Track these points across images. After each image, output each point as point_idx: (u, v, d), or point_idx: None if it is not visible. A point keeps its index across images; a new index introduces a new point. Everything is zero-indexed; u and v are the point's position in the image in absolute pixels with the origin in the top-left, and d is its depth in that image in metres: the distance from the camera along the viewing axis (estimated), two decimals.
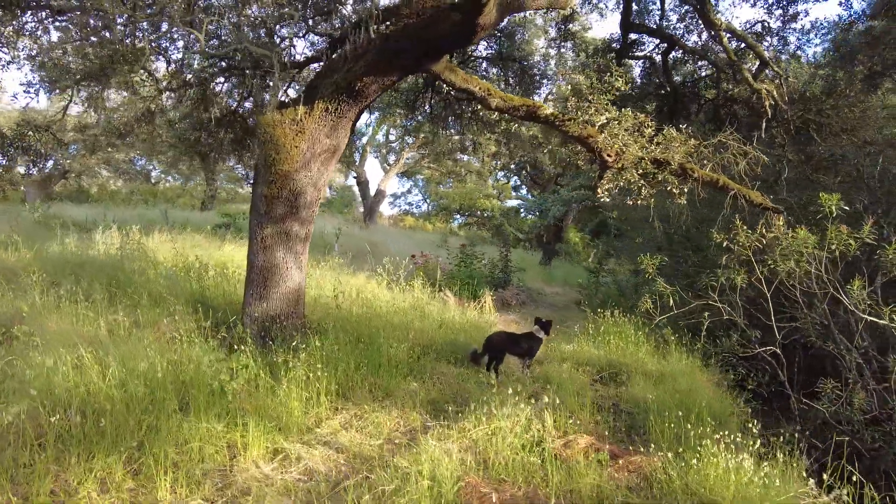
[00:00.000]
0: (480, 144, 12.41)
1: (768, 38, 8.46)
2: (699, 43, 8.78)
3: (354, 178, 28.93)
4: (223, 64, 9.06)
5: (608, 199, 6.15)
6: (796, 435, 3.90)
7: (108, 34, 7.64)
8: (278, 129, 5.79)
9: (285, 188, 5.85)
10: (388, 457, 3.81)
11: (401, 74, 5.82)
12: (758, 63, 7.37)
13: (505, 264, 13.67)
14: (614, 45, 9.13)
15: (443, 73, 5.53)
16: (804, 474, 3.41)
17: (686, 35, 8.77)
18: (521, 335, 6.62)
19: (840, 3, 15.41)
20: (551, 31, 12.39)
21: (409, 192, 43.29)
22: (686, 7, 8.38)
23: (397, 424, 4.58)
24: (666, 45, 8.68)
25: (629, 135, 5.40)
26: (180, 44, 8.89)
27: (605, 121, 5.37)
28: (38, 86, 7.26)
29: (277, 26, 7.40)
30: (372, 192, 28.55)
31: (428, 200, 41.34)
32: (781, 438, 3.68)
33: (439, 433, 4.20)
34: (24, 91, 7.44)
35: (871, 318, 5.70)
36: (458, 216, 38.28)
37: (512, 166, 31.03)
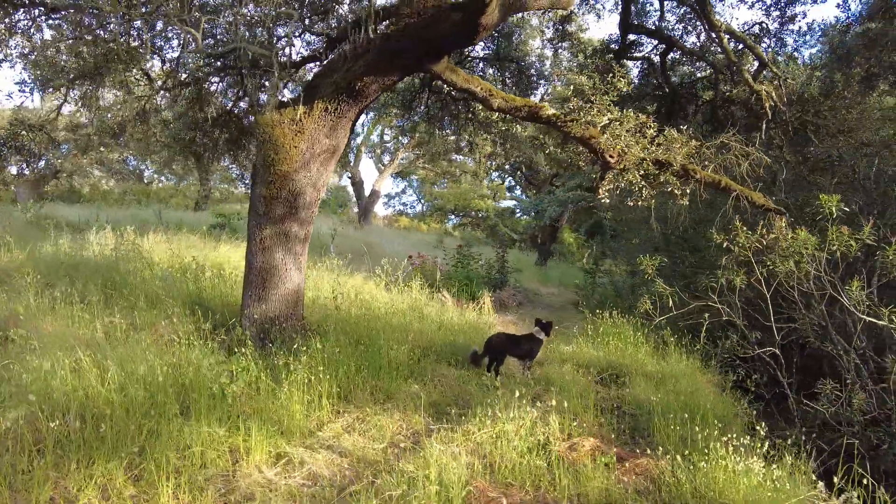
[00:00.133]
0: (477, 145, 12.37)
1: (766, 40, 8.49)
2: (697, 44, 8.80)
3: (349, 178, 28.83)
4: (218, 63, 8.98)
5: (608, 200, 6.14)
6: (802, 437, 3.88)
7: (101, 33, 7.55)
8: (277, 129, 5.73)
9: (284, 189, 5.79)
10: (393, 461, 3.76)
11: (401, 74, 5.78)
12: (756, 64, 7.38)
13: (502, 265, 13.64)
14: (613, 45, 9.14)
15: (444, 73, 5.49)
16: (813, 477, 3.39)
17: (684, 36, 8.80)
18: (522, 336, 6.59)
19: (838, 5, 15.49)
20: (547, 32, 12.40)
21: (403, 192, 43.29)
22: (685, 8, 8.38)
23: (400, 427, 4.53)
24: (665, 46, 8.69)
25: (631, 136, 5.38)
26: (175, 43, 8.80)
27: (607, 121, 5.35)
28: (31, 84, 7.14)
29: (274, 25, 7.33)
30: (366, 192, 28.47)
31: (422, 201, 41.31)
32: (789, 440, 3.66)
33: (443, 436, 4.16)
34: (20, 90, 7.32)
35: (871, 319, 5.72)
36: (453, 217, 38.25)
37: (507, 167, 31.03)
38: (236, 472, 3.53)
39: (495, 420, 4.15)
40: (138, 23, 7.85)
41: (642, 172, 5.47)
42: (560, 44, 9.93)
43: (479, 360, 6.35)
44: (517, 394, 4.18)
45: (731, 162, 5.56)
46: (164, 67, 8.94)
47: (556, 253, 24.91)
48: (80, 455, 3.28)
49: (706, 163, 5.81)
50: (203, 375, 4.21)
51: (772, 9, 8.08)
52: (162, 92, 9.46)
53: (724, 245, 6.10)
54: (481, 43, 10.62)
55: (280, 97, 6.03)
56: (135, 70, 8.53)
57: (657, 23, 8.68)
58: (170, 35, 8.65)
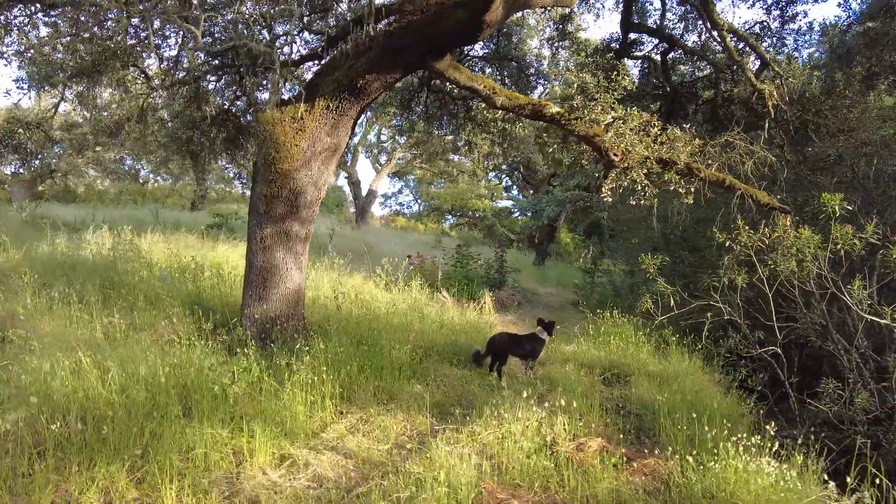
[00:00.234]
0: (476, 144, 12.34)
1: (766, 39, 8.48)
2: (698, 43, 8.78)
3: (346, 178, 28.75)
4: (216, 62, 8.91)
5: (611, 199, 6.11)
6: (811, 436, 3.86)
7: (98, 31, 7.47)
8: (278, 126, 5.67)
9: (285, 187, 5.73)
10: (399, 462, 3.71)
11: (404, 72, 5.73)
12: (758, 64, 7.38)
13: (500, 265, 13.61)
14: (613, 44, 9.12)
15: (447, 70, 5.44)
16: (825, 477, 3.36)
17: (685, 35, 8.78)
18: (524, 336, 6.56)
19: (839, 4, 15.53)
20: (545, 31, 12.38)
21: (399, 192, 43.20)
22: (686, 7, 8.37)
23: (404, 428, 4.48)
24: (666, 45, 8.67)
25: (634, 134, 5.35)
26: (172, 41, 8.73)
27: (611, 120, 5.32)
28: (29, 82, 7.06)
29: (274, 23, 7.27)
30: (363, 192, 28.39)
31: (419, 201, 41.25)
32: (799, 440, 3.63)
33: (448, 437, 4.11)
34: (18, 87, 7.23)
35: (873, 318, 5.71)
36: (450, 217, 38.20)
37: (503, 167, 31.01)
38: (240, 475, 3.47)
39: (501, 420, 4.11)
40: (136, 20, 7.79)
41: (645, 171, 5.44)
42: (560, 43, 9.90)
43: (481, 359, 6.32)
44: (525, 394, 4.14)
45: (734, 161, 5.53)
46: (162, 66, 8.88)
47: (553, 253, 24.90)
48: (82, 457, 3.22)
49: (709, 161, 5.79)
50: (205, 376, 4.15)
51: (772, 8, 8.08)
52: (159, 91, 9.39)
53: (727, 244, 6.09)
54: (481, 42, 10.61)
55: (280, 95, 5.97)
56: (132, 68, 8.46)
57: (658, 22, 8.66)
58: (167, 33, 8.58)
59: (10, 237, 8.06)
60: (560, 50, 11.14)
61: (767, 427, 3.63)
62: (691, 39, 8.91)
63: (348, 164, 27.00)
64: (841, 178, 8.63)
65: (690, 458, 3.45)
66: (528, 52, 11.20)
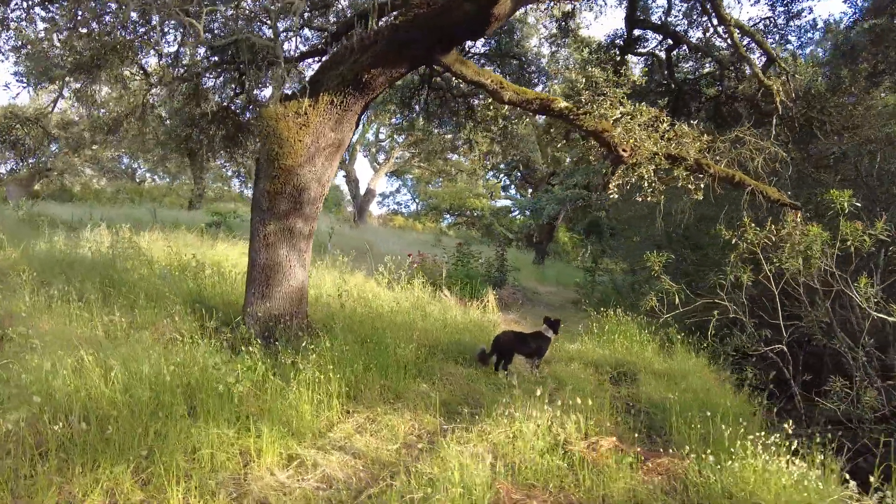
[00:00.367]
0: (477, 143, 12.26)
1: (770, 36, 8.43)
2: (703, 40, 8.72)
3: (344, 176, 28.64)
4: (215, 58, 8.82)
5: (617, 196, 6.05)
6: (829, 434, 3.80)
7: (96, 26, 7.37)
8: (281, 122, 5.59)
9: (289, 183, 5.65)
10: (410, 462, 3.63)
11: (410, 66, 5.65)
12: (763, 60, 7.33)
13: (501, 263, 13.55)
14: (617, 41, 9.05)
15: (453, 65, 5.37)
16: (846, 476, 3.30)
17: (690, 32, 8.72)
18: (530, 334, 6.49)
19: (845, 1, 15.48)
20: (543, 29, 12.32)
21: (397, 191, 43.06)
22: (692, 2, 8.31)
23: (412, 427, 4.41)
24: (671, 41, 8.61)
25: (643, 129, 5.28)
26: (171, 38, 8.63)
27: (619, 115, 5.25)
28: (28, 76, 6.95)
29: (277, 17, 7.19)
30: (362, 191, 28.30)
31: (417, 200, 41.13)
32: (817, 438, 3.57)
33: (458, 437, 4.04)
34: (17, 81, 7.13)
35: (880, 316, 5.67)
36: (448, 216, 38.11)
37: (501, 166, 30.94)
38: (248, 475, 3.39)
39: (512, 419, 4.04)
40: (134, 14, 7.69)
41: (654, 167, 5.38)
42: (563, 40, 9.84)
43: (486, 358, 6.25)
44: (538, 392, 4.06)
45: (744, 157, 5.47)
46: (161, 62, 8.78)
47: (551, 252, 24.84)
48: (85, 458, 3.13)
49: (717, 157, 5.74)
50: (210, 374, 4.06)
51: (777, 4, 8.03)
52: (158, 87, 9.29)
53: (733, 241, 6.03)
54: (482, 39, 10.53)
55: (283, 90, 5.88)
56: (131, 64, 8.36)
57: (662, 18, 8.61)
58: (167, 29, 8.48)
59: (7, 235, 7.95)
60: (561, 48, 11.07)
61: (785, 426, 3.57)
62: (696, 36, 8.86)
63: (346, 162, 26.90)
64: (844, 175, 8.60)
65: (711, 458, 3.37)
66: (529, 49, 11.13)
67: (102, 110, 10.93)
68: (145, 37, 7.92)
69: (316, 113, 5.61)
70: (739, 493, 3.16)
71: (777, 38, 8.36)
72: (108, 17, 7.47)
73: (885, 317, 5.73)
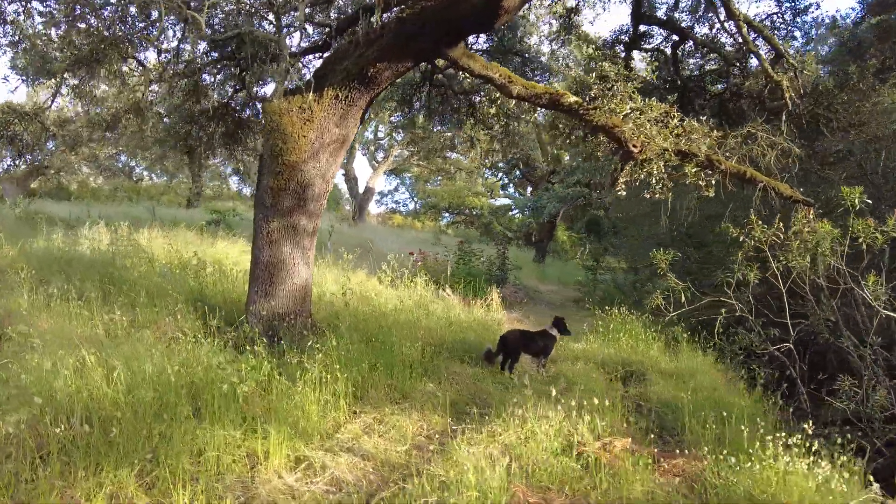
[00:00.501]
0: (479, 140, 12.17)
1: (776, 33, 8.35)
2: (709, 35, 8.65)
3: (343, 175, 28.51)
4: (216, 54, 8.71)
5: (624, 193, 5.96)
6: (848, 435, 3.72)
7: (94, 22, 7.25)
8: (285, 117, 5.48)
9: (293, 180, 5.55)
10: (421, 464, 3.54)
11: (416, 60, 5.56)
12: (771, 56, 7.26)
13: (502, 262, 13.47)
14: (622, 37, 8.97)
15: (461, 58, 5.27)
16: (870, 478, 3.22)
17: (696, 27, 8.64)
18: (536, 333, 6.42)
19: None
20: (544, 26, 12.23)
21: (395, 189, 42.93)
22: None
23: (420, 428, 4.32)
24: (677, 37, 8.53)
25: (653, 125, 5.19)
26: (170, 34, 8.52)
27: (629, 110, 5.16)
28: (27, 69, 6.83)
29: (280, 12, 7.08)
30: (360, 189, 28.19)
31: (415, 198, 41.00)
32: (839, 440, 3.49)
33: (468, 438, 3.95)
34: (17, 76, 7.01)
35: (889, 314, 5.60)
36: (447, 214, 37.99)
37: (500, 164, 30.85)
38: (255, 478, 3.29)
39: (524, 420, 3.96)
40: (133, 9, 7.58)
41: (663, 163, 5.29)
42: (566, 36, 9.75)
43: (492, 357, 6.17)
44: (553, 392, 3.97)
45: (755, 153, 5.39)
46: (161, 59, 8.66)
47: (550, 251, 24.77)
48: (88, 461, 3.03)
49: (727, 154, 5.65)
50: (214, 374, 3.96)
51: (784, 0, 7.95)
52: (158, 83, 9.17)
53: (741, 239, 5.95)
54: (483, 36, 10.44)
55: (287, 85, 5.78)
56: (130, 60, 8.25)
57: (668, 13, 8.52)
58: (166, 24, 8.37)
59: (5, 233, 7.83)
60: (563, 46, 10.99)
61: (805, 426, 3.48)
62: (702, 32, 8.78)
63: (346, 160, 26.77)
64: (850, 172, 8.54)
65: (732, 459, 3.29)
66: (531, 46, 11.05)
67: (99, 108, 10.82)
68: (145, 31, 7.81)
69: (320, 108, 5.51)
70: (761, 495, 3.07)
71: (783, 34, 8.28)
72: (106, 12, 7.37)
73: (894, 315, 5.67)
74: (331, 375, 4.31)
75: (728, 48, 8.70)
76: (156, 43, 8.11)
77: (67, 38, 7.12)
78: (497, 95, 10.09)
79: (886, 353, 6.26)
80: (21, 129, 7.63)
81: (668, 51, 8.82)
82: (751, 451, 3.37)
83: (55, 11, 7.38)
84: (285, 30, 7.62)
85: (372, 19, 5.63)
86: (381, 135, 30.03)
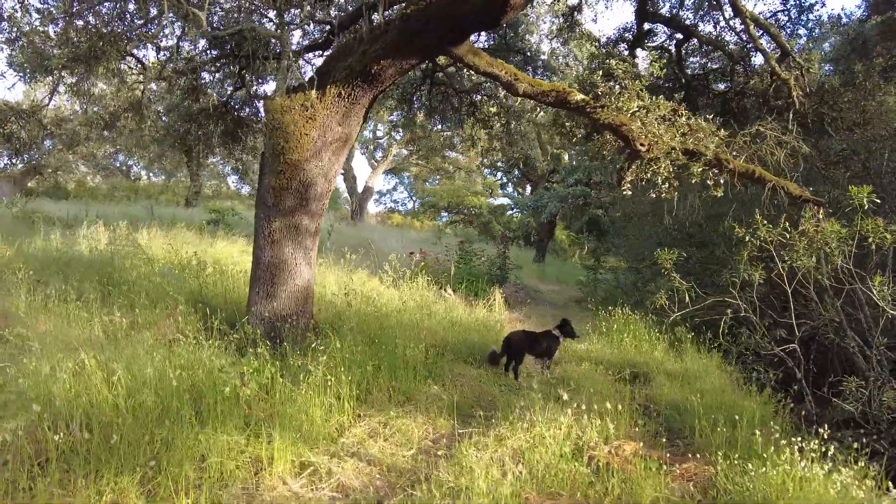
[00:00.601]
0: (479, 139, 12.10)
1: (781, 31, 8.29)
2: (713, 34, 8.59)
3: (342, 174, 28.40)
4: (215, 52, 8.62)
5: (630, 192, 5.89)
6: (863, 438, 3.65)
7: (93, 20, 7.16)
8: (287, 115, 5.40)
9: (295, 179, 5.46)
10: (428, 469, 3.47)
11: (420, 57, 5.48)
12: (777, 54, 7.20)
13: (503, 262, 13.40)
14: (627, 34, 8.90)
15: (466, 55, 5.19)
16: (889, 484, 3.15)
17: (700, 25, 8.58)
18: (540, 334, 6.36)
19: None
20: (544, 25, 12.14)
21: (394, 189, 42.84)
22: None
23: (426, 432, 4.24)
24: (681, 35, 8.46)
25: (660, 123, 5.12)
26: (168, 31, 8.43)
27: (637, 108, 5.09)
28: (25, 66, 6.73)
29: (283, 9, 7.01)
30: (360, 188, 28.09)
31: (414, 198, 40.90)
32: (855, 444, 3.42)
33: (475, 442, 3.88)
34: (15, 72, 6.91)
35: (895, 313, 5.54)
36: (445, 214, 37.91)
37: (500, 164, 30.77)
38: (259, 485, 3.21)
39: (532, 424, 3.88)
40: (132, 6, 7.48)
41: (671, 162, 5.22)
42: (569, 34, 9.67)
43: (497, 359, 6.11)
44: (565, 396, 3.89)
45: (763, 152, 5.31)
46: (160, 57, 8.58)
47: (550, 250, 24.71)
48: (88, 469, 2.95)
49: (734, 153, 5.58)
50: (216, 377, 3.87)
51: None
52: (156, 82, 9.08)
53: (747, 239, 5.89)
54: (484, 34, 10.37)
55: (289, 83, 5.70)
56: (128, 58, 8.16)
57: (673, 10, 8.45)
58: (165, 22, 8.28)
59: (2, 233, 7.74)
60: (565, 45, 10.92)
61: (821, 430, 3.41)
62: (706, 30, 8.72)
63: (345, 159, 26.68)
64: (854, 171, 8.48)
65: (749, 465, 3.21)
66: (533, 44, 10.98)
67: (97, 106, 10.71)
68: (144, 28, 7.72)
69: (323, 106, 5.43)
70: (777, 501, 3.00)
71: (789, 31, 8.23)
72: (105, 8, 7.27)
73: None
74: (335, 378, 4.23)
75: (732, 46, 8.63)
76: (155, 40, 8.03)
77: (65, 35, 7.02)
78: (499, 93, 10.03)
79: (892, 354, 6.21)
80: (18, 127, 7.52)
81: (673, 49, 8.74)
82: (764, 455, 3.31)
83: (52, 8, 7.29)
84: (288, 26, 7.55)
85: (374, 16, 5.57)
86: (379, 134, 29.95)
